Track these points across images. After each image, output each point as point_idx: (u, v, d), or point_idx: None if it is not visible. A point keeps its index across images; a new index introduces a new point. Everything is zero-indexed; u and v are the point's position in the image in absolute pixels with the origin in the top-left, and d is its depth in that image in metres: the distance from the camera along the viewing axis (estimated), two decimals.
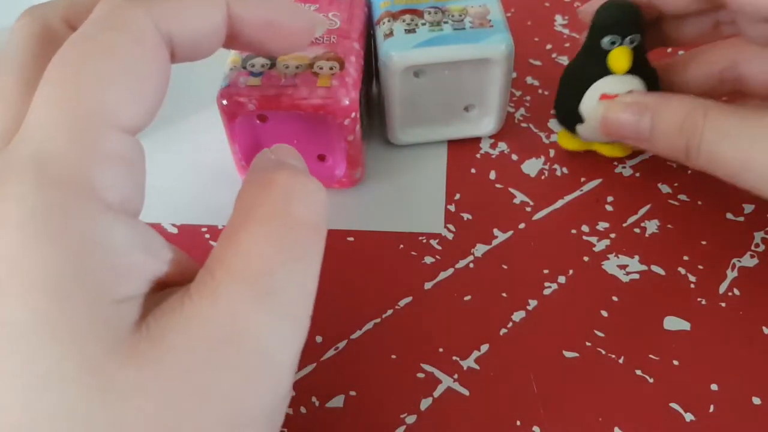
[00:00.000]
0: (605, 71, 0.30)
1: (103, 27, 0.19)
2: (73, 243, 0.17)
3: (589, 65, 0.30)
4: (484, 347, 0.27)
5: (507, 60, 0.31)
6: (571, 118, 0.31)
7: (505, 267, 0.30)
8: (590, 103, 0.30)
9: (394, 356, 0.27)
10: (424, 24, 0.31)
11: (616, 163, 0.33)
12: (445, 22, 0.31)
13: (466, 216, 0.32)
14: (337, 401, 0.26)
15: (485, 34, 0.31)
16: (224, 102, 0.29)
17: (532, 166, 0.34)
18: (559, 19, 0.41)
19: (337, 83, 0.29)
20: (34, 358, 0.16)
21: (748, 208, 0.31)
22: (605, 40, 0.29)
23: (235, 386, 0.17)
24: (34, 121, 0.18)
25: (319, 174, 0.32)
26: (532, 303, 0.29)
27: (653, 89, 0.30)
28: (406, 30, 0.31)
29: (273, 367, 0.18)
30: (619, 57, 0.29)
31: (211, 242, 0.31)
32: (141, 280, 0.18)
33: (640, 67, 0.30)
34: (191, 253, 0.20)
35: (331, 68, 0.29)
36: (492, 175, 0.33)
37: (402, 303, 0.29)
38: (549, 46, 0.39)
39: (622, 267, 0.30)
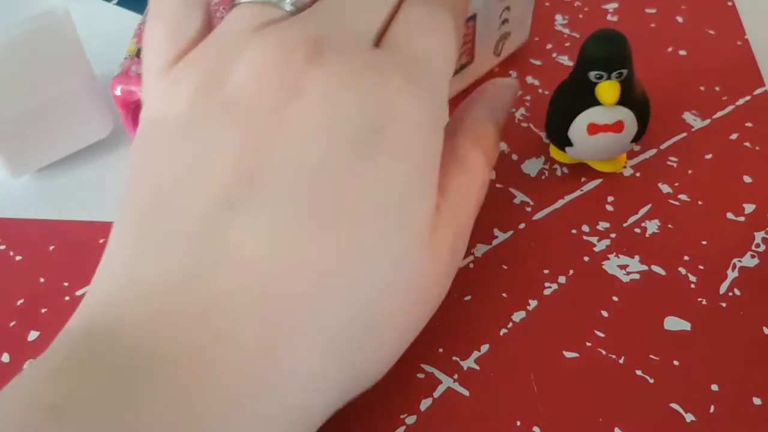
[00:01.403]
0: (594, 101, 0.30)
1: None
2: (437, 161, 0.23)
3: (578, 93, 0.30)
4: (484, 347, 0.27)
5: None
6: (560, 141, 0.31)
7: (505, 267, 0.30)
8: (579, 130, 0.30)
9: None
10: None
11: None
12: None
13: None
14: None
15: None
16: (116, 90, 0.29)
17: (532, 166, 0.34)
18: (559, 19, 0.41)
19: None
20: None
21: (749, 207, 0.31)
22: (591, 74, 0.29)
23: None
24: (427, 55, 0.22)
25: None
26: (533, 303, 0.28)
27: (643, 119, 0.31)
28: None
29: None
30: (607, 91, 0.29)
31: None
32: None
33: (629, 98, 0.30)
34: None
35: None
36: (492, 174, 0.33)
37: None
38: (549, 46, 0.39)
39: (623, 267, 0.30)
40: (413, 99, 0.21)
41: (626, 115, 0.30)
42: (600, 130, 0.30)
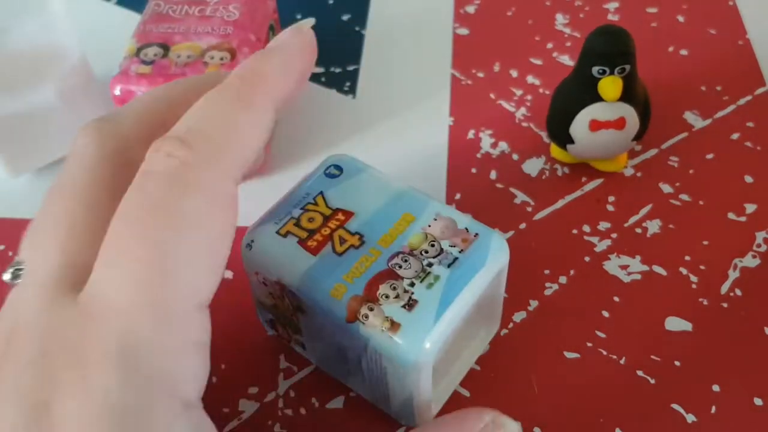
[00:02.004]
0: (596, 97, 0.29)
1: (182, 190, 0.17)
2: None
3: (580, 90, 0.30)
4: (485, 348, 0.27)
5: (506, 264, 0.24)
6: (562, 138, 0.31)
7: None
8: (581, 127, 0.30)
9: None
10: (411, 284, 0.22)
11: None
12: (429, 265, 0.23)
13: None
14: (337, 402, 0.26)
15: (481, 248, 0.23)
16: (116, 90, 0.29)
17: (532, 166, 0.33)
18: (560, 18, 0.41)
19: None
20: None
21: (750, 207, 0.31)
22: (594, 69, 0.29)
23: None
24: (112, 291, 0.17)
25: None
26: (533, 303, 0.28)
27: (645, 115, 0.30)
28: (403, 306, 0.22)
29: None
30: (609, 86, 0.29)
31: None
32: None
33: (631, 94, 0.30)
34: None
35: (221, 59, 0.30)
36: (493, 174, 0.33)
37: None
38: (550, 45, 0.39)
39: (624, 267, 0.29)
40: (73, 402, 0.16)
41: (628, 112, 0.30)
42: (602, 126, 0.30)
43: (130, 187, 0.18)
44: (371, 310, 0.22)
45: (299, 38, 0.21)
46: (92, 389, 0.16)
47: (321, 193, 0.25)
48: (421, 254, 0.23)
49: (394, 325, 0.21)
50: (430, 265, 0.23)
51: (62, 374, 0.16)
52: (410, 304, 0.22)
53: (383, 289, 0.22)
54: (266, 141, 0.20)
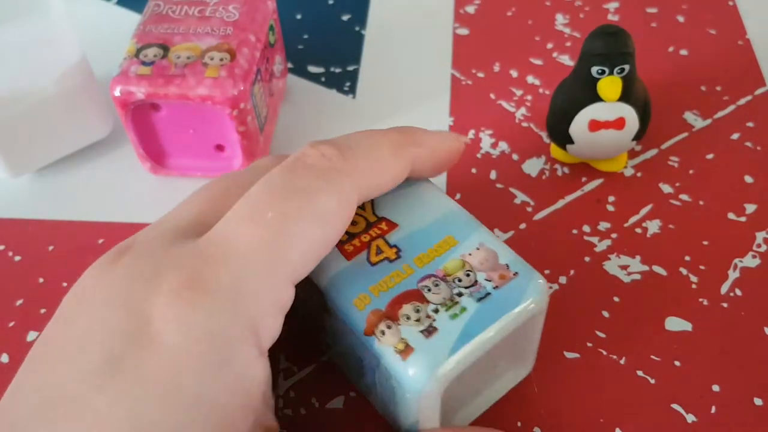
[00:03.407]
0: (595, 97, 0.29)
1: (322, 186, 0.20)
2: (225, 374, 0.18)
3: (579, 90, 0.30)
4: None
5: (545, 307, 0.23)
6: (561, 138, 0.31)
7: None
8: (580, 127, 0.30)
9: None
10: (435, 310, 0.21)
11: None
12: (459, 294, 0.22)
13: None
14: (337, 402, 0.26)
15: (517, 288, 0.22)
16: (115, 91, 0.29)
17: (532, 166, 0.33)
18: (560, 18, 0.41)
19: (225, 74, 0.29)
20: None
21: (750, 208, 0.31)
22: (593, 70, 0.29)
23: None
24: (236, 237, 0.19)
25: (217, 165, 0.33)
26: None
27: (644, 115, 0.30)
28: (422, 332, 0.21)
29: None
30: (609, 87, 0.29)
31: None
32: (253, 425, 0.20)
33: (630, 94, 0.30)
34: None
35: (221, 59, 0.30)
36: (493, 174, 0.33)
37: None
38: (550, 45, 0.39)
39: (624, 267, 0.30)
40: (176, 313, 0.18)
41: (628, 112, 0.30)
42: (601, 126, 0.30)
43: (280, 164, 0.21)
44: (389, 327, 0.21)
45: (457, 140, 0.25)
46: (198, 311, 0.18)
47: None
48: (454, 282, 0.22)
49: (407, 349, 0.20)
50: (460, 294, 0.22)
51: (173, 293, 0.18)
52: (429, 331, 0.21)
53: (406, 309, 0.21)
54: (390, 189, 0.23)
